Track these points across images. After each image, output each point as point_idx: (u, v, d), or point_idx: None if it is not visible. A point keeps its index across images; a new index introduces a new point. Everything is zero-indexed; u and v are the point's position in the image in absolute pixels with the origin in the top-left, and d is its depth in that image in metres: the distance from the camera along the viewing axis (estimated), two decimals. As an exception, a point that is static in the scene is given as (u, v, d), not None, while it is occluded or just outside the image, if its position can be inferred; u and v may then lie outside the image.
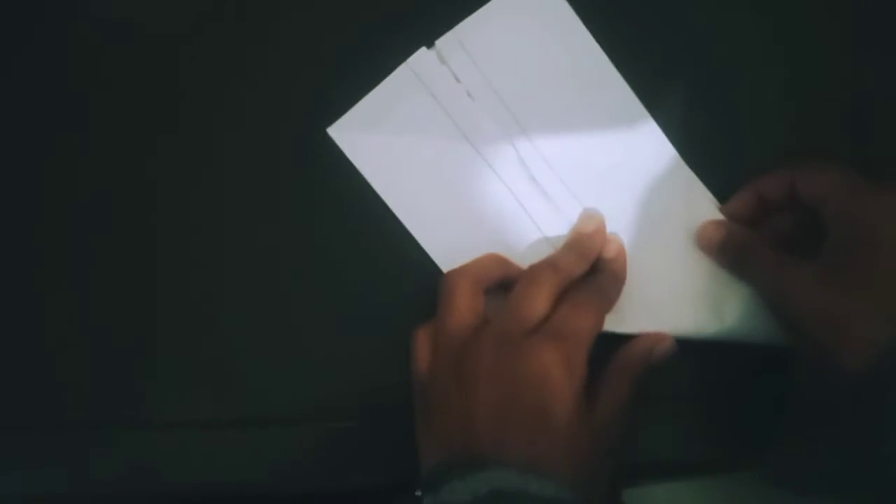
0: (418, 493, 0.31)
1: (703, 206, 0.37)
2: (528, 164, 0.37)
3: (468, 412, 0.30)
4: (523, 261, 0.36)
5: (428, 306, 0.35)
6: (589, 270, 0.35)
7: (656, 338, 0.35)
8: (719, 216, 0.36)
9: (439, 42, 0.37)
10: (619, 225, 0.37)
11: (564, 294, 0.33)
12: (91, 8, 0.39)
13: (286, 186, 0.38)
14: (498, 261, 0.36)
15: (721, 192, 0.37)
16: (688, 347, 0.35)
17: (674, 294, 0.36)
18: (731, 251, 0.35)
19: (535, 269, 0.34)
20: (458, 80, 0.37)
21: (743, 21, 0.38)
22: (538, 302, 0.33)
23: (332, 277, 0.37)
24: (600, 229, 0.36)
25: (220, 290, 0.37)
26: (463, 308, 0.33)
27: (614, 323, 0.35)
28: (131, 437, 0.37)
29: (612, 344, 0.34)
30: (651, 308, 0.36)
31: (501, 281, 0.35)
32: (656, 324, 0.36)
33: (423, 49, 0.37)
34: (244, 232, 0.38)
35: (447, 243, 0.37)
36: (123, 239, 0.37)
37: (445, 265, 0.37)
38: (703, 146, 0.37)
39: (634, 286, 0.36)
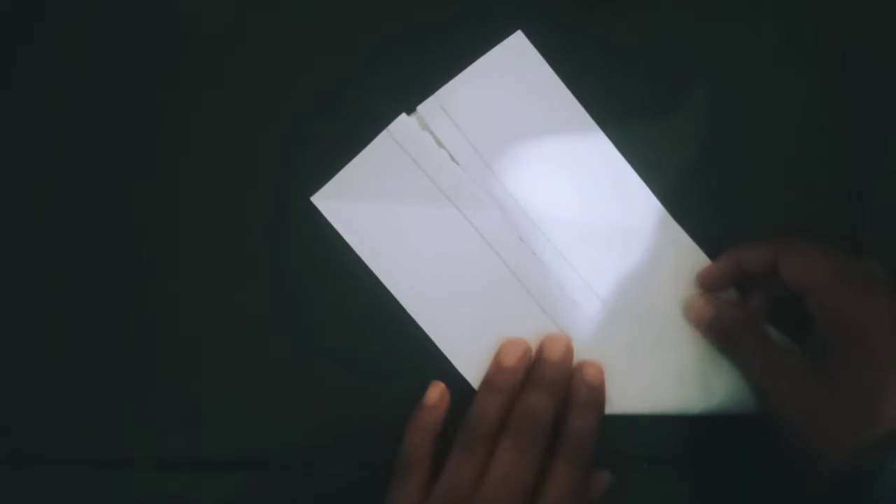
0: None
1: (693, 263, 0.36)
2: (516, 226, 0.37)
3: None
4: (512, 323, 0.36)
5: (413, 362, 0.36)
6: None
7: (595, 479, 0.34)
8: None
9: (421, 107, 0.37)
10: (607, 287, 0.36)
11: (549, 454, 0.33)
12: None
13: (270, 255, 0.38)
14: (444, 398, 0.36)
15: (712, 249, 0.36)
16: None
17: (661, 369, 0.36)
18: (718, 331, 0.35)
19: (519, 434, 0.33)
20: (440, 144, 0.37)
21: (730, 79, 0.38)
22: (528, 475, 0.32)
23: (320, 337, 0.37)
24: (569, 353, 0.36)
25: (209, 348, 0.38)
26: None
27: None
28: (117, 475, 0.37)
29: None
30: (638, 387, 0.36)
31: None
32: (643, 404, 0.35)
33: (404, 115, 0.37)
34: (230, 299, 0.38)
35: (434, 307, 0.37)
36: (106, 289, 0.38)
37: (431, 330, 0.37)
38: (692, 203, 0.37)
39: (621, 361, 0.36)
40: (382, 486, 0.34)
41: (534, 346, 0.36)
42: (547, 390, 0.34)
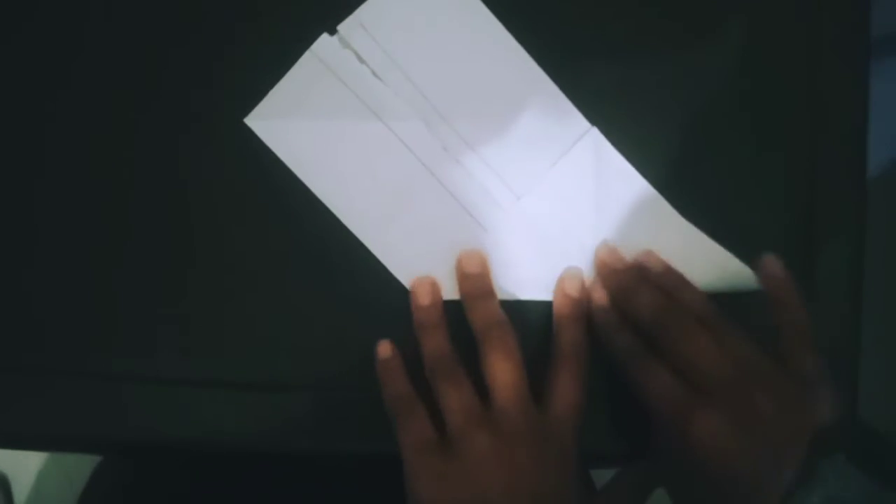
0: None
1: (612, 167, 0.39)
2: (438, 136, 0.39)
3: None
4: (441, 226, 0.39)
5: (352, 273, 0.39)
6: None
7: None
8: (633, 176, 0.39)
9: (341, 27, 0.38)
10: (524, 184, 0.39)
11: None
12: None
13: (212, 178, 0.39)
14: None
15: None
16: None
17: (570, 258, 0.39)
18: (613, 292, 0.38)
19: (497, 341, 0.36)
20: (362, 61, 0.38)
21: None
22: (523, 374, 0.36)
23: (261, 262, 0.40)
24: (485, 265, 0.39)
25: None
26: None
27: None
28: (132, 390, 0.39)
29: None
30: (549, 276, 0.39)
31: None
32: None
33: (325, 35, 0.38)
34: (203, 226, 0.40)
35: (370, 218, 0.39)
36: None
37: (369, 241, 0.39)
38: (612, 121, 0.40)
39: (533, 251, 0.39)
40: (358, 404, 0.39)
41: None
42: (483, 299, 0.38)
